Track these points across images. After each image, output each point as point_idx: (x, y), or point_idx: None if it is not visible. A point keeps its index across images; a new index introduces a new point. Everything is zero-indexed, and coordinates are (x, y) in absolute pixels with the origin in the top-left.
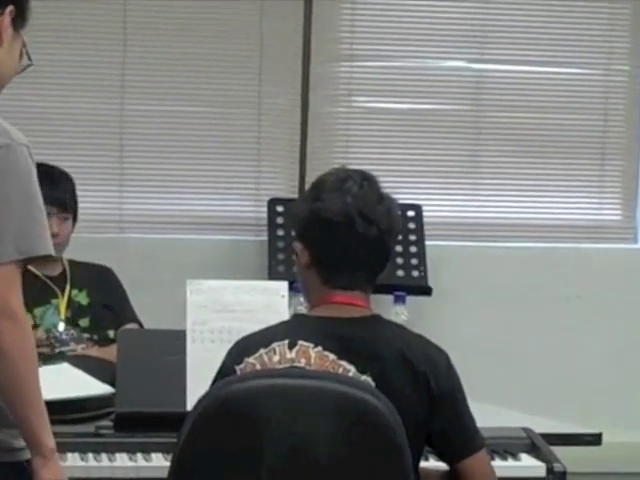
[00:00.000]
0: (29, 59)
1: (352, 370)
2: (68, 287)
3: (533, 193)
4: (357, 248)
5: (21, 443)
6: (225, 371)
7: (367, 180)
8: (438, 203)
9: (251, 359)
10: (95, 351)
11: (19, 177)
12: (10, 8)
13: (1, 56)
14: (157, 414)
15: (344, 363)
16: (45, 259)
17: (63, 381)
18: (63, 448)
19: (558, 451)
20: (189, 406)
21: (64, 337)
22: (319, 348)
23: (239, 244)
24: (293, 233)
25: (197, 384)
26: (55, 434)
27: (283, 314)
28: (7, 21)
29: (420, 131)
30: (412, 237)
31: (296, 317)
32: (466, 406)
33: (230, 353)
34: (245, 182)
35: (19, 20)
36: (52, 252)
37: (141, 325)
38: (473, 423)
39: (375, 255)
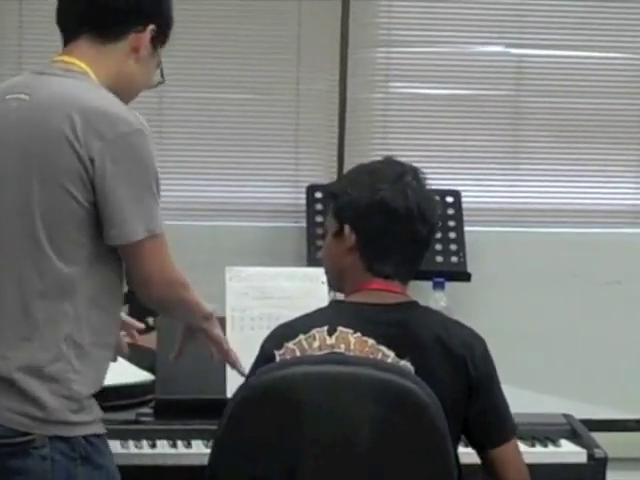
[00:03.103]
0: (162, 77)
1: (391, 355)
2: None
3: (573, 178)
4: (409, 241)
5: (77, 418)
6: (264, 356)
7: (419, 174)
8: (477, 189)
9: (291, 344)
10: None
11: (150, 162)
12: (152, 26)
13: (135, 70)
14: (197, 401)
15: (383, 348)
16: None
17: None
18: None
19: (598, 437)
20: (229, 393)
21: None
22: (358, 334)
23: (278, 231)
24: (332, 214)
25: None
26: None
27: (323, 300)
28: (147, 38)
29: (459, 117)
30: (451, 223)
31: (334, 303)
32: (501, 393)
33: (269, 339)
34: (283, 168)
35: (160, 39)
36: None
37: None
38: (507, 410)
39: (421, 249)
